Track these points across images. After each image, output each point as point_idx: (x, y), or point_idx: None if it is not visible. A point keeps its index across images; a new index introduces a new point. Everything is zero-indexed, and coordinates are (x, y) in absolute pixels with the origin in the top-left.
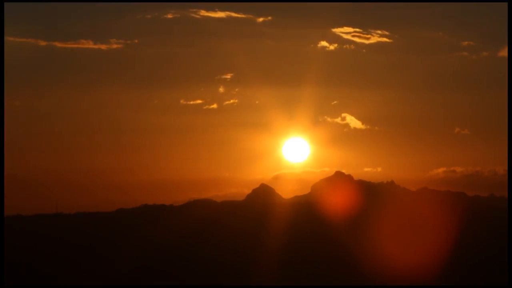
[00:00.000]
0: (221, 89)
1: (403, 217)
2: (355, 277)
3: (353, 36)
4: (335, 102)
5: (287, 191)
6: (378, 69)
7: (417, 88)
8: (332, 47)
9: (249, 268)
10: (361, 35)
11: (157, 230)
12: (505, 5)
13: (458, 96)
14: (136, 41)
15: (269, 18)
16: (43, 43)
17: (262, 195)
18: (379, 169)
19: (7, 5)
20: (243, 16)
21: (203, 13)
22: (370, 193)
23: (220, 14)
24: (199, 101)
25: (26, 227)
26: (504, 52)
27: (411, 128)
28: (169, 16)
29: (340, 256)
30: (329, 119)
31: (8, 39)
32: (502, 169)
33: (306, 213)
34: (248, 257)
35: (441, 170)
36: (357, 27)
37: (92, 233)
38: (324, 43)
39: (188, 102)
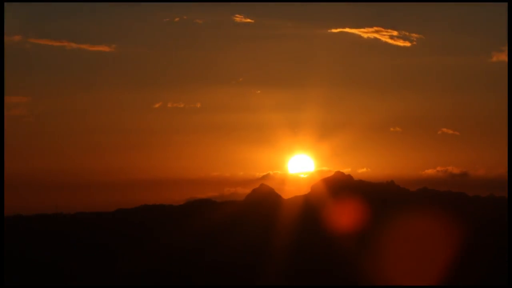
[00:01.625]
0: (232, 91)
1: (407, 219)
2: (359, 278)
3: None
4: (340, 105)
5: (286, 191)
6: (388, 71)
7: (418, 88)
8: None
9: (252, 268)
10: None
11: (157, 230)
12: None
13: (456, 96)
14: (160, 44)
15: (296, 21)
16: (74, 45)
17: (262, 195)
18: (369, 169)
19: (22, 7)
20: (270, 20)
21: (236, 17)
22: (371, 193)
23: (248, 20)
24: (205, 103)
25: (26, 227)
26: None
27: (406, 128)
28: (198, 21)
29: (345, 258)
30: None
31: (28, 40)
32: (501, 169)
33: (308, 213)
34: (251, 257)
35: (437, 169)
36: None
37: (92, 233)
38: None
39: (195, 104)
